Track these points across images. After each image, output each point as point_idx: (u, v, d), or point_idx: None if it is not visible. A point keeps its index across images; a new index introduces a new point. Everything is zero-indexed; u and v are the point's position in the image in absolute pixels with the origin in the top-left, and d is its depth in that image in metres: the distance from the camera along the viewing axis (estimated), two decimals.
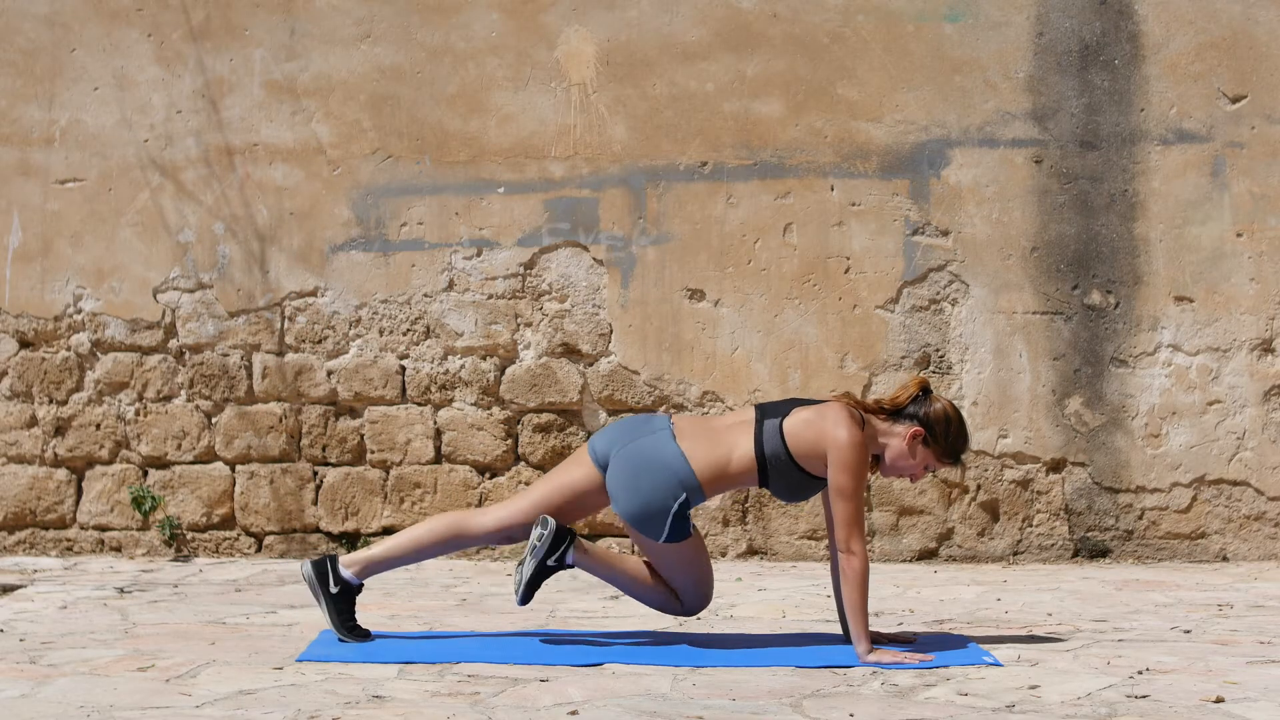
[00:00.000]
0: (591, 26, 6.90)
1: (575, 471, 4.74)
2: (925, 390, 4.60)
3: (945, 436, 4.58)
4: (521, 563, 4.60)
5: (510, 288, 6.93)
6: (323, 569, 4.67)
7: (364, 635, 4.67)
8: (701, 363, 6.86)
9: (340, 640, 4.63)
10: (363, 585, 4.72)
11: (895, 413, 4.61)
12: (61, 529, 7.07)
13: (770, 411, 4.62)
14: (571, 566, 4.64)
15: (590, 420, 6.90)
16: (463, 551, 6.74)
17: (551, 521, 4.60)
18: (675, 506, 4.56)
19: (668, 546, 4.62)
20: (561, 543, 4.58)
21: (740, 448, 4.58)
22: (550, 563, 4.58)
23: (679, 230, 6.88)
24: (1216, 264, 6.79)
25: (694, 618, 5.27)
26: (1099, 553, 6.79)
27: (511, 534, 4.73)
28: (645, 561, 4.77)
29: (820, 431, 4.51)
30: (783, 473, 4.56)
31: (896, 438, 4.59)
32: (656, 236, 6.88)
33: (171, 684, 4.09)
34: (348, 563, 4.69)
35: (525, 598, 4.63)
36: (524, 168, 6.92)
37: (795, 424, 4.55)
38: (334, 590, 4.65)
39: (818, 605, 5.54)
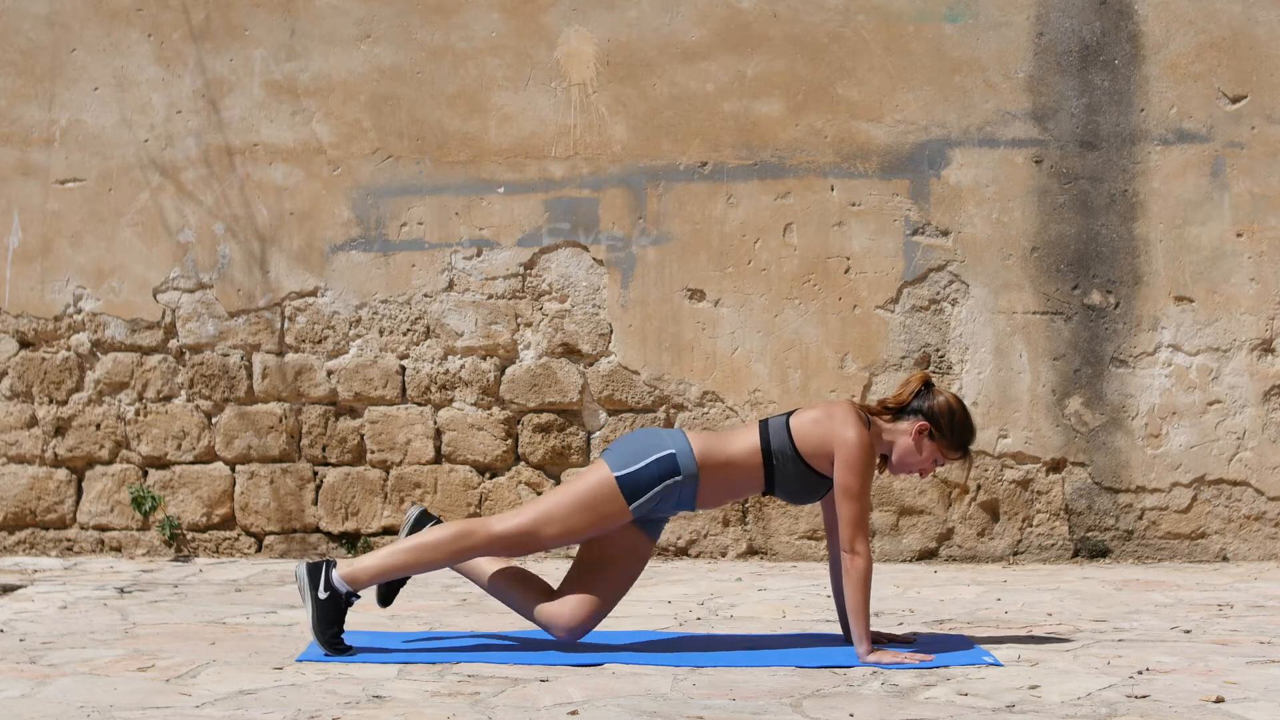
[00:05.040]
0: (591, 26, 6.90)
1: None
2: (927, 385, 4.61)
3: (950, 429, 4.58)
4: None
5: (510, 288, 6.92)
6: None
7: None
8: (701, 363, 6.86)
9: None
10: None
11: (899, 410, 4.61)
12: (61, 529, 7.07)
13: (776, 417, 4.65)
14: None
15: (590, 420, 6.90)
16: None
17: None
18: (667, 482, 4.52)
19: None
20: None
21: (747, 442, 4.58)
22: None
23: (679, 230, 6.88)
24: (1216, 264, 6.79)
25: (696, 620, 5.26)
26: (1099, 553, 6.79)
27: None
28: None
29: (827, 430, 4.52)
30: (788, 470, 4.54)
31: (902, 435, 4.59)
32: (656, 236, 6.88)
33: (171, 684, 4.09)
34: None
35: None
36: (524, 168, 6.92)
37: (802, 421, 4.56)
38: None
39: (818, 605, 5.54)
